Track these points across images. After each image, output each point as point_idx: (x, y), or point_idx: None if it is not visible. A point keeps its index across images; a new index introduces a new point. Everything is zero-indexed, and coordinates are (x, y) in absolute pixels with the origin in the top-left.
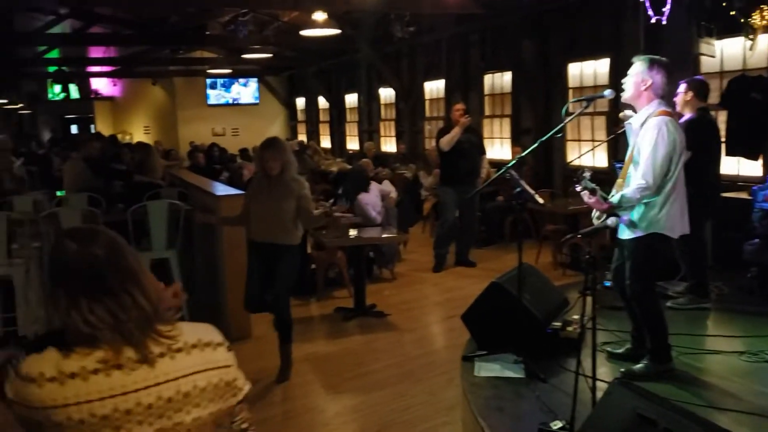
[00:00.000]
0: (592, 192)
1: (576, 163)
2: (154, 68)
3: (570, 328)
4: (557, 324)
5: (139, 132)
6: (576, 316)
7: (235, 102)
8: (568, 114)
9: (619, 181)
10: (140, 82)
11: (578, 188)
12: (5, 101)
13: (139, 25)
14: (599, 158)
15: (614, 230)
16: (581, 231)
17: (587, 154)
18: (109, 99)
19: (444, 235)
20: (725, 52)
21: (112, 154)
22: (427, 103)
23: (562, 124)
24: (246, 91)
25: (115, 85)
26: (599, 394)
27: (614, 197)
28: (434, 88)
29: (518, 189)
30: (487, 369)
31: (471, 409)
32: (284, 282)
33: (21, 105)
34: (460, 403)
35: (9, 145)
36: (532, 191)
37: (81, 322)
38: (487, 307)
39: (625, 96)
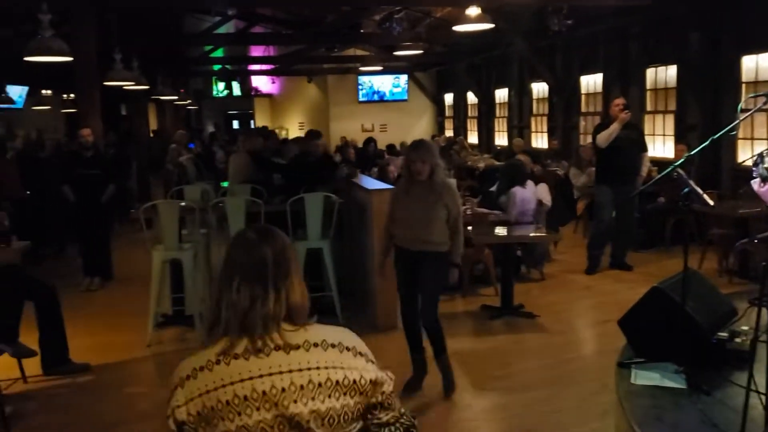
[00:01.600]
0: (765, 180)
1: (749, 163)
2: (309, 66)
3: (738, 340)
4: (723, 334)
5: (294, 127)
6: (745, 327)
7: (385, 98)
8: (743, 110)
9: None
10: (296, 79)
11: (755, 173)
12: (176, 97)
13: (298, 25)
14: None
15: None
16: (758, 236)
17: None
18: (268, 96)
19: (599, 235)
20: None
21: (274, 149)
22: (582, 98)
23: (737, 122)
24: (395, 88)
25: (273, 82)
26: None
27: None
28: (591, 82)
29: (686, 189)
30: (645, 377)
31: (627, 416)
32: (432, 292)
33: (189, 101)
34: (615, 410)
35: (184, 140)
36: (700, 191)
37: (231, 299)
38: (647, 313)
39: None
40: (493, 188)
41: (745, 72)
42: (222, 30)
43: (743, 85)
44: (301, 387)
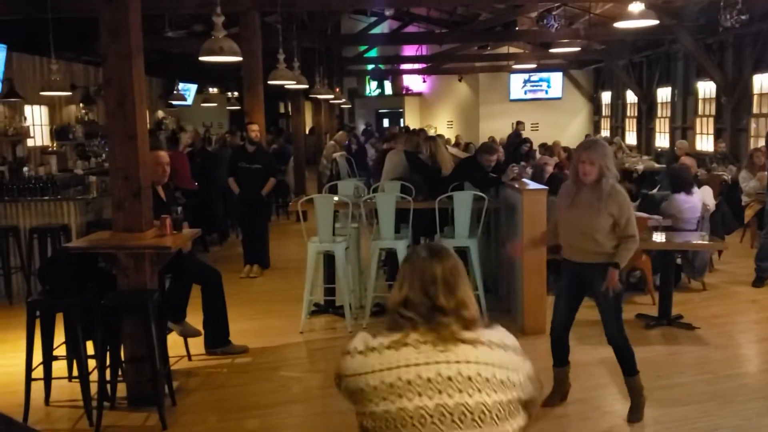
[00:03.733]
0: None
1: None
2: (460, 65)
3: None
4: None
5: (442, 126)
6: None
7: (538, 96)
8: None
9: None
10: (447, 78)
11: None
12: (331, 96)
13: (451, 24)
14: None
15: None
16: None
17: None
18: (418, 95)
19: None
20: None
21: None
22: (755, 98)
23: None
24: (549, 86)
25: (424, 81)
26: None
27: None
28: (765, 82)
29: None
30: None
31: None
32: (610, 305)
33: (343, 100)
34: None
35: (343, 140)
36: None
37: (401, 300)
38: None
39: None
40: (654, 191)
41: None
42: (377, 30)
43: None
44: (469, 378)
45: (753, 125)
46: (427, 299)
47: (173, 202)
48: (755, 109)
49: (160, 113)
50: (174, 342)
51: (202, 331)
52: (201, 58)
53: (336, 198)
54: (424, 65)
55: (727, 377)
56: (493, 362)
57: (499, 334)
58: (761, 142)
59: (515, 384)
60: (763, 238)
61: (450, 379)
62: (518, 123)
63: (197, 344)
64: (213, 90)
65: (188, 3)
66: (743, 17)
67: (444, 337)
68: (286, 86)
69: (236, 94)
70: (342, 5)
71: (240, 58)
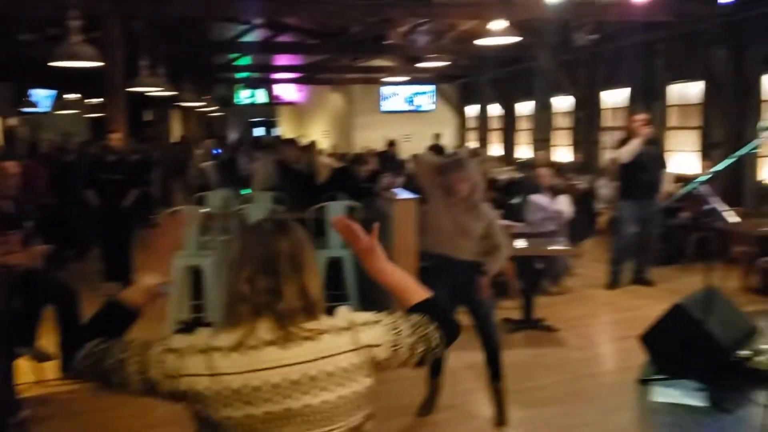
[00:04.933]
0: None
1: None
2: (334, 76)
3: (760, 359)
4: (745, 353)
5: (317, 136)
6: (766, 346)
7: (409, 109)
8: (765, 128)
9: None
10: (321, 88)
11: None
12: (200, 104)
13: (323, 35)
14: None
15: None
16: None
17: None
18: (292, 104)
19: (621, 251)
20: None
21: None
22: (605, 113)
23: (760, 140)
24: (420, 99)
25: (299, 91)
26: None
27: None
28: (614, 97)
29: (709, 206)
30: (666, 394)
31: None
32: (488, 315)
33: (213, 108)
34: (635, 426)
35: (211, 148)
36: (725, 208)
37: (246, 291)
38: (669, 329)
39: None
40: (516, 200)
41: (765, 92)
42: (248, 38)
43: (764, 104)
44: (313, 378)
45: (604, 138)
46: (271, 280)
47: (23, 217)
48: (605, 123)
49: (12, 121)
50: (26, 367)
51: (58, 354)
52: (53, 63)
53: (203, 209)
54: (298, 75)
55: (587, 376)
56: (338, 350)
57: (340, 317)
58: (612, 154)
59: (364, 365)
60: (615, 243)
61: (295, 382)
62: (391, 143)
63: (52, 369)
64: (72, 96)
65: (44, 5)
66: (593, 37)
67: (288, 334)
68: (149, 93)
69: (96, 100)
70: (210, 13)
71: (98, 63)
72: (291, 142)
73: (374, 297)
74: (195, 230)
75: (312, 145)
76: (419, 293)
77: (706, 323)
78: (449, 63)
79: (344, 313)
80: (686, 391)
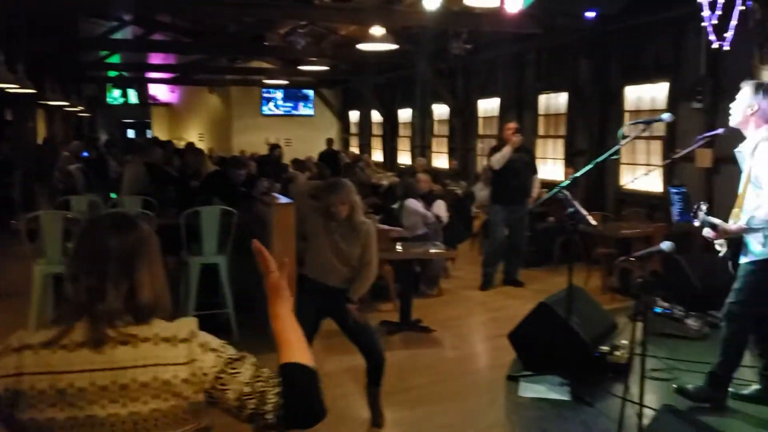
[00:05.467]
0: (713, 227)
1: (630, 186)
2: (211, 76)
3: (618, 353)
4: (605, 348)
5: (194, 139)
6: (624, 341)
7: (290, 113)
8: (624, 136)
9: (735, 210)
10: (197, 89)
11: (696, 223)
12: (66, 104)
13: (199, 34)
14: (654, 183)
15: (668, 254)
16: (634, 254)
17: (642, 178)
18: (166, 105)
19: (493, 253)
20: None
21: (165, 161)
22: (480, 121)
23: (618, 147)
24: (301, 103)
25: (173, 91)
26: (646, 422)
27: (743, 220)
28: (488, 106)
29: (571, 210)
30: (532, 390)
31: (513, 429)
32: (367, 330)
33: (81, 108)
34: (503, 423)
35: (78, 150)
36: (584, 212)
37: (69, 289)
38: (535, 327)
39: (733, 121)
40: (395, 205)
41: (628, 102)
42: (119, 35)
43: (626, 114)
44: (124, 386)
45: (479, 145)
46: (95, 279)
47: None
48: (481, 131)
49: None
50: None
51: None
52: None
53: (68, 214)
54: (172, 75)
55: (461, 375)
56: (156, 362)
57: (174, 326)
58: (486, 161)
59: (189, 382)
60: (487, 246)
61: (104, 389)
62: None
63: None
64: None
65: None
66: (468, 46)
67: (103, 337)
68: (7, 90)
69: None
70: (75, 8)
71: None
72: (165, 144)
73: (251, 305)
74: (58, 236)
75: (194, 147)
76: (298, 355)
77: (569, 320)
78: (329, 67)
79: (187, 325)
80: (551, 385)
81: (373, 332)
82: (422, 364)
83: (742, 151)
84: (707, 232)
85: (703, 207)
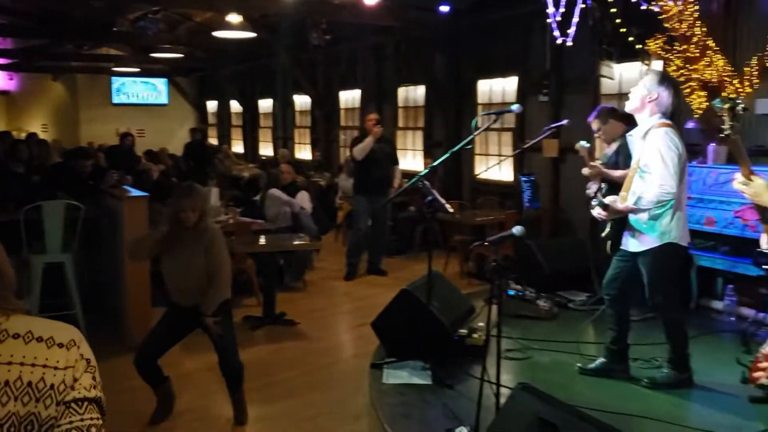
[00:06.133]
0: (605, 207)
1: (484, 176)
2: (55, 63)
3: (475, 336)
4: (463, 331)
5: (36, 130)
6: (481, 324)
7: (142, 102)
8: (477, 127)
9: (623, 194)
10: (39, 77)
11: (594, 202)
12: None
13: (41, 18)
14: (505, 173)
15: (519, 238)
16: (488, 239)
17: (494, 168)
18: (4, 93)
19: (356, 243)
20: (623, 76)
21: (4, 152)
22: (342, 113)
23: (472, 136)
24: (154, 92)
25: (11, 78)
26: (503, 400)
27: (630, 200)
28: (350, 97)
29: (430, 198)
30: (395, 376)
31: (378, 416)
32: (227, 344)
33: None
34: (368, 411)
35: None
36: (442, 201)
37: None
38: (397, 314)
39: (629, 107)
40: (257, 197)
41: (481, 94)
42: None
43: (479, 107)
44: None
45: (342, 136)
46: None
47: None
48: (343, 122)
49: None
50: None
51: None
52: None
53: None
54: (10, 61)
55: (326, 366)
56: (23, 361)
57: (72, 333)
58: (349, 152)
59: (55, 386)
60: (351, 237)
61: None
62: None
63: None
64: None
65: None
66: (327, 37)
67: None
68: None
69: None
70: None
71: None
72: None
73: (101, 304)
74: None
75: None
76: None
77: (429, 306)
78: (184, 55)
79: (73, 333)
80: (413, 371)
81: (230, 344)
82: (287, 358)
83: (633, 136)
84: (598, 212)
85: (603, 188)
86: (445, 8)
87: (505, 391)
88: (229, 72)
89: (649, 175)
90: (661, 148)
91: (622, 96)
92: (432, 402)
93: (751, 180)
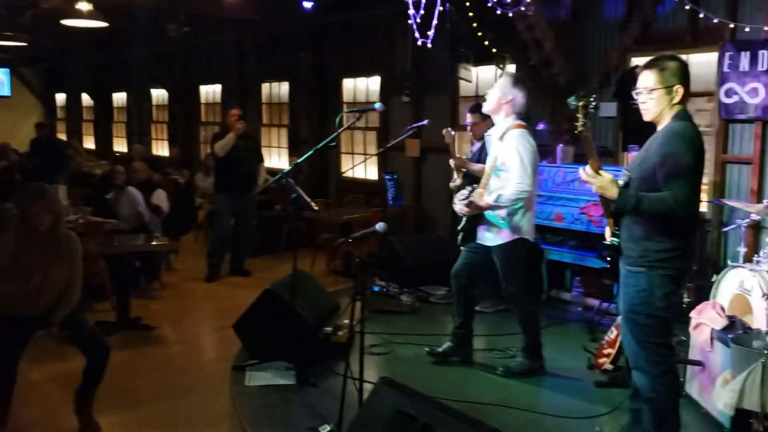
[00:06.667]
0: (468, 204)
1: (349, 173)
2: None
3: (340, 333)
4: (329, 329)
5: None
6: (347, 321)
7: None
8: (341, 125)
9: (480, 191)
10: None
11: (460, 198)
12: None
13: None
14: (371, 171)
15: (382, 235)
16: (351, 236)
17: (359, 166)
18: None
19: (218, 243)
20: (480, 78)
21: None
22: (203, 108)
23: (336, 134)
24: None
25: None
26: (367, 396)
27: (490, 197)
28: (210, 92)
29: (294, 195)
30: (258, 378)
31: (240, 419)
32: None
33: None
34: (230, 415)
35: None
36: (307, 198)
37: None
38: (260, 314)
39: (486, 107)
40: (110, 195)
41: (346, 93)
42: None
43: (345, 105)
44: None
45: (202, 132)
46: None
47: None
48: (203, 118)
49: None
50: None
51: None
52: None
53: None
54: None
55: (186, 370)
56: None
57: None
58: (210, 149)
59: None
60: (213, 236)
61: None
62: None
63: None
64: None
65: None
66: (186, 29)
67: None
68: None
69: None
70: None
71: None
72: None
73: None
74: None
75: None
76: None
77: (294, 305)
78: (28, 44)
79: None
80: (277, 371)
81: (88, 330)
82: (145, 364)
83: (491, 135)
84: (460, 207)
85: (470, 188)
86: (308, 4)
87: (369, 387)
88: (80, 63)
89: (506, 174)
90: (519, 148)
91: (479, 98)
92: (296, 402)
93: (599, 174)
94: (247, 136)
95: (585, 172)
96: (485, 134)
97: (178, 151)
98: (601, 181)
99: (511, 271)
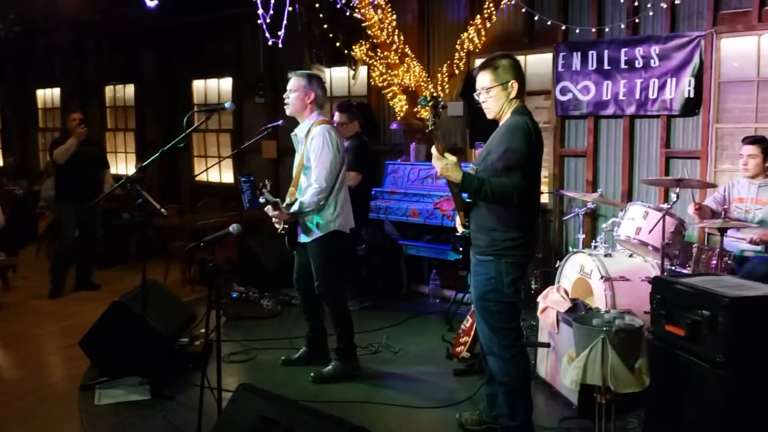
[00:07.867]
0: (275, 205)
1: (203, 177)
2: None
3: (197, 343)
4: (184, 340)
5: None
6: (203, 330)
7: None
8: (190, 124)
9: (291, 189)
10: None
11: (261, 200)
12: None
13: None
14: (226, 175)
15: (239, 238)
16: (203, 239)
17: (214, 170)
18: None
19: (62, 256)
20: (334, 79)
21: None
22: (40, 113)
23: (184, 134)
24: None
25: None
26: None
27: (294, 206)
28: (48, 96)
29: (140, 201)
30: (109, 395)
31: None
32: None
33: None
34: None
35: None
36: (155, 203)
37: None
38: (109, 329)
39: (291, 110)
40: None
41: (196, 94)
42: None
43: (195, 107)
44: None
45: (41, 139)
46: None
47: None
48: (42, 124)
49: None
50: None
51: None
52: None
53: None
54: None
55: (28, 393)
56: None
57: None
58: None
59: None
60: (57, 249)
61: None
62: None
63: None
64: None
65: None
66: (16, 29)
67: None
68: None
69: None
70: None
71: None
72: None
73: None
74: None
75: None
76: None
77: (145, 317)
78: None
79: None
80: (130, 387)
81: None
82: None
83: (297, 134)
84: (270, 210)
85: (268, 185)
86: (152, 3)
87: (228, 395)
88: None
89: (312, 172)
90: (318, 148)
91: (333, 99)
92: (151, 417)
93: (444, 157)
94: (90, 141)
95: (433, 155)
96: (291, 134)
97: (15, 160)
98: (445, 162)
99: (323, 267)
